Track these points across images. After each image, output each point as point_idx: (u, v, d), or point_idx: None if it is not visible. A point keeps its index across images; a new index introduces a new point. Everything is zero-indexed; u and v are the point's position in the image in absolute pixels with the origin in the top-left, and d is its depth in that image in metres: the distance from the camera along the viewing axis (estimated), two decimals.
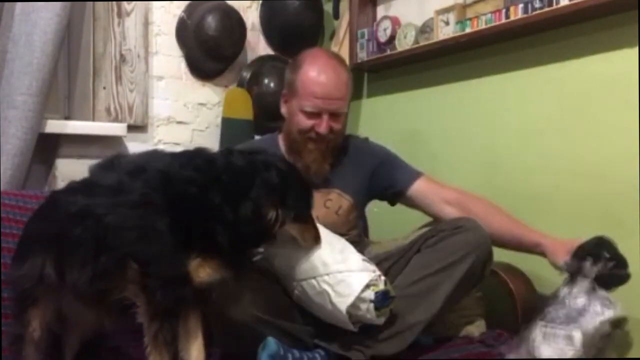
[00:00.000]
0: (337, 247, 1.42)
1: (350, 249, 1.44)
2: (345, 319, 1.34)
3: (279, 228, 1.29)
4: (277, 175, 1.29)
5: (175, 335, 1.16)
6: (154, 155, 1.32)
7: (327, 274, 1.36)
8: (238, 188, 1.24)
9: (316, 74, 1.61)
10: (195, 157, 1.29)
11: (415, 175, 1.70)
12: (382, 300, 1.34)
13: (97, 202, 1.18)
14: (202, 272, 1.18)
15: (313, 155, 1.64)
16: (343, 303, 1.33)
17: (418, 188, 1.68)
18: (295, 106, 1.64)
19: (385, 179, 1.70)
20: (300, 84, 1.63)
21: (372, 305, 1.33)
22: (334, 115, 1.62)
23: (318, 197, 1.58)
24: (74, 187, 1.29)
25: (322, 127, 1.60)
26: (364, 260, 1.42)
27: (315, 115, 1.61)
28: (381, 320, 1.37)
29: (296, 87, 1.64)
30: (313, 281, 1.38)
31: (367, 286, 1.33)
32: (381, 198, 1.76)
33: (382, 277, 1.37)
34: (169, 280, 1.14)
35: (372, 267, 1.40)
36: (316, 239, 1.38)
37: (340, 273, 1.36)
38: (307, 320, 1.42)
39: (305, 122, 1.62)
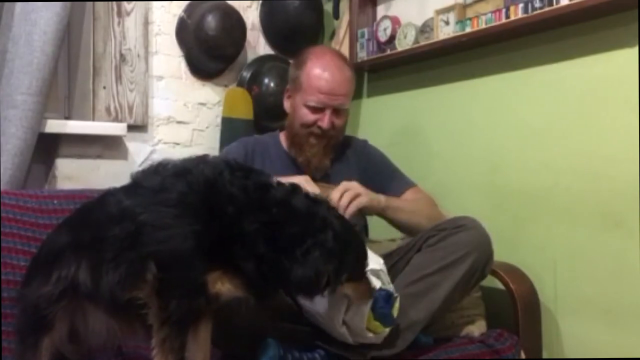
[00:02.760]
0: None
1: None
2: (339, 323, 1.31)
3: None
4: (335, 238, 1.17)
5: (184, 343, 1.13)
6: (204, 159, 1.25)
7: None
8: (285, 231, 1.15)
9: (321, 70, 1.66)
10: (250, 176, 1.21)
11: (407, 185, 1.75)
12: (383, 302, 1.31)
13: (136, 201, 1.15)
14: (220, 285, 1.13)
15: (314, 150, 1.69)
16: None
17: (406, 198, 1.72)
18: (299, 101, 1.69)
19: (378, 184, 1.71)
20: (305, 79, 1.68)
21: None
22: (336, 111, 1.67)
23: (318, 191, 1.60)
24: (115, 191, 1.23)
25: (325, 122, 1.65)
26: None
27: (318, 110, 1.66)
28: (380, 336, 1.32)
29: (301, 82, 1.69)
30: None
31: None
32: None
33: (384, 268, 1.35)
34: (185, 289, 1.10)
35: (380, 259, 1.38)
36: (367, 295, 1.29)
37: None
38: (307, 320, 1.42)
39: (309, 117, 1.67)
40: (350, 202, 1.47)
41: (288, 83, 1.79)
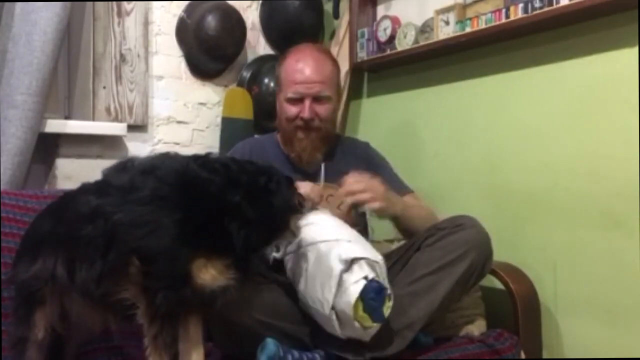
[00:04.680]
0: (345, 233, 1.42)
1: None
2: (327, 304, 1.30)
3: (293, 219, 1.29)
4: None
5: (176, 337, 1.15)
6: (168, 155, 1.29)
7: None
8: (258, 186, 1.23)
9: (295, 62, 1.69)
10: (210, 161, 1.27)
11: (404, 191, 1.75)
12: (373, 293, 1.28)
13: (107, 201, 1.17)
14: (206, 273, 1.14)
15: (303, 144, 1.69)
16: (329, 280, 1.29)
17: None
18: (281, 98, 1.72)
19: None
20: (283, 75, 1.72)
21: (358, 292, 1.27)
22: (317, 100, 1.67)
23: (319, 191, 1.60)
24: (87, 188, 1.27)
25: (306, 111, 1.66)
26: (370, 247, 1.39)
27: (298, 101, 1.67)
28: (368, 332, 1.30)
29: (281, 79, 1.73)
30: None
31: (356, 262, 1.29)
32: None
33: (383, 266, 1.33)
34: (170, 280, 1.11)
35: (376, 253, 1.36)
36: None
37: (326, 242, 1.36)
38: (307, 321, 1.42)
39: (291, 110, 1.68)
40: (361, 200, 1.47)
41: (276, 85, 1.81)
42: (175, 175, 1.20)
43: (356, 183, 1.48)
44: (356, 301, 1.27)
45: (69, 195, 1.32)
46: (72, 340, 1.34)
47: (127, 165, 1.25)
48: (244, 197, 1.20)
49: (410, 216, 1.61)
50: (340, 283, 1.28)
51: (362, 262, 1.30)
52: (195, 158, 1.26)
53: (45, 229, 1.27)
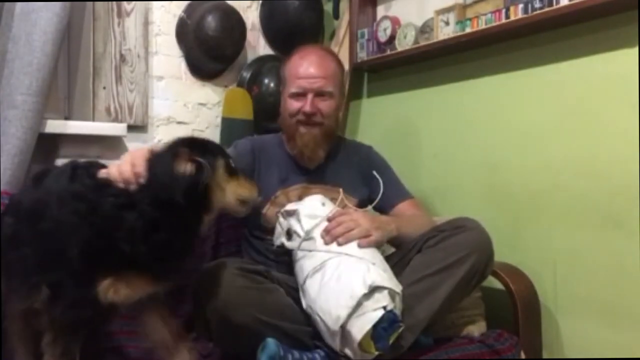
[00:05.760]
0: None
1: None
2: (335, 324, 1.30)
3: (208, 187, 1.17)
4: (172, 145, 1.24)
5: (69, 349, 1.17)
6: (64, 170, 1.27)
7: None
8: (134, 196, 1.17)
9: (299, 59, 1.71)
10: (87, 170, 1.24)
11: (403, 197, 1.75)
12: (387, 324, 1.29)
13: (20, 228, 1.22)
14: (112, 293, 1.15)
15: (305, 139, 1.68)
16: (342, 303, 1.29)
17: (399, 210, 1.72)
18: (285, 95, 1.72)
19: (376, 190, 1.71)
20: (287, 72, 1.73)
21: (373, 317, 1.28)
22: (319, 95, 1.67)
23: (323, 193, 1.61)
24: (14, 202, 1.32)
25: (307, 105, 1.66)
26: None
27: (300, 96, 1.67)
28: (365, 356, 1.30)
29: (285, 77, 1.74)
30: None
31: (379, 290, 1.30)
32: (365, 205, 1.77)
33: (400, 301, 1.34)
34: (70, 303, 1.15)
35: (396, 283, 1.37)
36: (254, 191, 1.31)
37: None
38: (308, 321, 1.42)
39: (293, 105, 1.68)
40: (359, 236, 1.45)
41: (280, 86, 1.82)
42: (69, 201, 1.17)
43: (340, 224, 1.46)
44: (368, 331, 1.28)
45: (8, 204, 1.38)
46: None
47: (41, 178, 1.29)
48: (122, 206, 1.15)
49: (406, 233, 1.59)
50: (358, 305, 1.29)
51: (385, 292, 1.31)
52: (76, 170, 1.23)
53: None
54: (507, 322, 1.66)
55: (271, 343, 1.29)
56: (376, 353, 1.30)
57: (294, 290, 1.46)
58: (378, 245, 1.51)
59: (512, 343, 1.58)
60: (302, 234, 1.45)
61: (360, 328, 1.28)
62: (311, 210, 1.50)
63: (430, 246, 1.48)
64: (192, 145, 1.22)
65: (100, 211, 1.15)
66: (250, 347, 1.31)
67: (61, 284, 1.15)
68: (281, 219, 1.54)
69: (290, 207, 1.53)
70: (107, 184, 1.17)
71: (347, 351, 1.31)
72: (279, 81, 1.85)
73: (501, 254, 1.61)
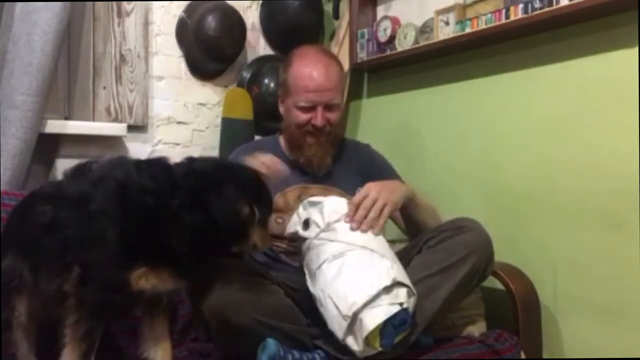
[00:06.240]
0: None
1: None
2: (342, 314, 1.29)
3: (250, 229, 1.28)
4: (246, 175, 1.31)
5: (92, 333, 1.20)
6: (118, 163, 1.32)
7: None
8: (201, 190, 1.23)
9: (306, 69, 1.67)
10: (152, 166, 1.30)
11: None
12: (399, 322, 1.28)
13: (62, 214, 1.24)
14: (144, 281, 1.20)
15: (313, 149, 1.69)
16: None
17: None
18: (290, 104, 1.70)
19: None
20: (292, 81, 1.69)
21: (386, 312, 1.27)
22: (328, 106, 1.67)
23: (322, 193, 1.61)
24: (45, 194, 1.34)
25: (318, 119, 1.65)
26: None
27: (310, 109, 1.66)
28: (366, 350, 1.30)
29: (289, 85, 1.70)
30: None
31: (400, 286, 1.31)
32: None
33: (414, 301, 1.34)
34: (101, 286, 1.18)
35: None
36: (268, 243, 1.40)
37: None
38: (307, 321, 1.42)
39: (302, 117, 1.67)
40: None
41: (279, 88, 1.79)
42: (118, 188, 1.23)
43: (367, 210, 1.44)
44: (379, 324, 1.27)
45: (33, 197, 1.39)
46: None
47: (84, 170, 1.32)
48: (183, 205, 1.21)
49: (418, 204, 1.61)
50: (377, 296, 1.28)
51: (404, 290, 1.31)
52: (139, 165, 1.29)
53: (13, 228, 1.35)
54: (507, 322, 1.66)
55: (271, 343, 1.29)
56: (378, 349, 1.29)
57: (294, 291, 1.46)
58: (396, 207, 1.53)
59: (512, 343, 1.58)
60: (322, 225, 1.44)
61: (373, 318, 1.27)
62: (335, 207, 1.48)
63: (430, 246, 1.48)
64: (257, 189, 1.32)
65: (165, 206, 1.21)
66: (250, 348, 1.31)
67: (96, 265, 1.18)
68: (301, 209, 1.52)
69: (315, 199, 1.53)
70: (177, 185, 1.24)
71: (350, 341, 1.30)
72: (279, 84, 1.82)
73: (501, 254, 1.61)
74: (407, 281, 1.33)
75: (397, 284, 1.31)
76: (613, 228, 1.61)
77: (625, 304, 1.59)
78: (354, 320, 1.29)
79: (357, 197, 1.46)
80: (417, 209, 1.62)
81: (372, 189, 1.47)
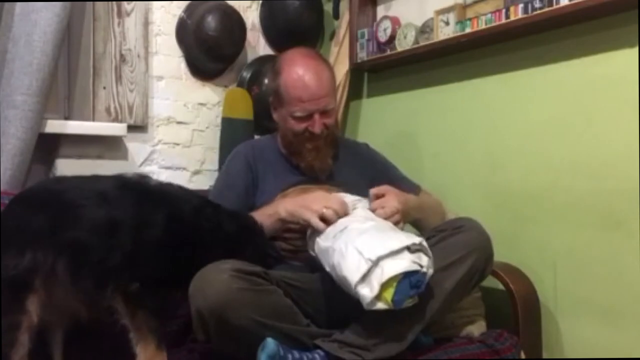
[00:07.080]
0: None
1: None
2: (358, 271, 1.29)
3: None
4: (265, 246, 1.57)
5: (156, 309, 1.33)
6: (172, 191, 1.47)
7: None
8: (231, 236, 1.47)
9: (297, 78, 1.64)
10: (215, 212, 1.48)
11: (414, 189, 1.77)
12: (415, 282, 1.28)
13: (124, 216, 1.33)
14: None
15: (313, 154, 1.68)
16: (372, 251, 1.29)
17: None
18: (285, 113, 1.68)
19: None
20: (284, 90, 1.66)
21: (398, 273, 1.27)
22: (324, 112, 1.65)
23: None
24: (97, 197, 1.36)
25: (316, 127, 1.64)
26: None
27: (306, 117, 1.64)
28: (375, 304, 1.29)
29: (281, 95, 1.67)
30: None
31: (423, 251, 1.33)
32: None
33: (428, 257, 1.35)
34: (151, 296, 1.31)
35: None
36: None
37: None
38: (307, 321, 1.42)
39: (299, 126, 1.66)
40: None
41: (270, 95, 1.77)
42: (186, 219, 1.40)
43: (383, 208, 1.50)
44: (398, 275, 1.26)
45: (48, 191, 1.39)
46: (57, 327, 1.41)
47: (141, 183, 1.43)
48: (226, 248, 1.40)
49: (426, 217, 1.67)
50: (399, 252, 1.29)
51: (427, 258, 1.33)
52: (204, 204, 1.47)
53: (37, 223, 1.30)
54: (507, 322, 1.66)
55: (271, 343, 1.29)
56: (388, 306, 1.27)
57: (293, 289, 1.46)
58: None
59: (512, 343, 1.58)
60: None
61: (395, 267, 1.26)
62: (355, 198, 1.55)
63: (430, 246, 1.48)
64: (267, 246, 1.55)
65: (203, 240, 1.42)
66: (250, 348, 1.31)
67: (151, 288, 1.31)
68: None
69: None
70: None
71: (363, 289, 1.28)
72: (269, 92, 1.80)
73: (501, 254, 1.61)
74: (429, 253, 1.34)
75: (422, 249, 1.33)
76: (613, 228, 1.61)
77: (625, 304, 1.58)
78: (375, 265, 1.27)
79: (376, 190, 1.55)
80: (425, 221, 1.67)
81: (393, 198, 1.53)
